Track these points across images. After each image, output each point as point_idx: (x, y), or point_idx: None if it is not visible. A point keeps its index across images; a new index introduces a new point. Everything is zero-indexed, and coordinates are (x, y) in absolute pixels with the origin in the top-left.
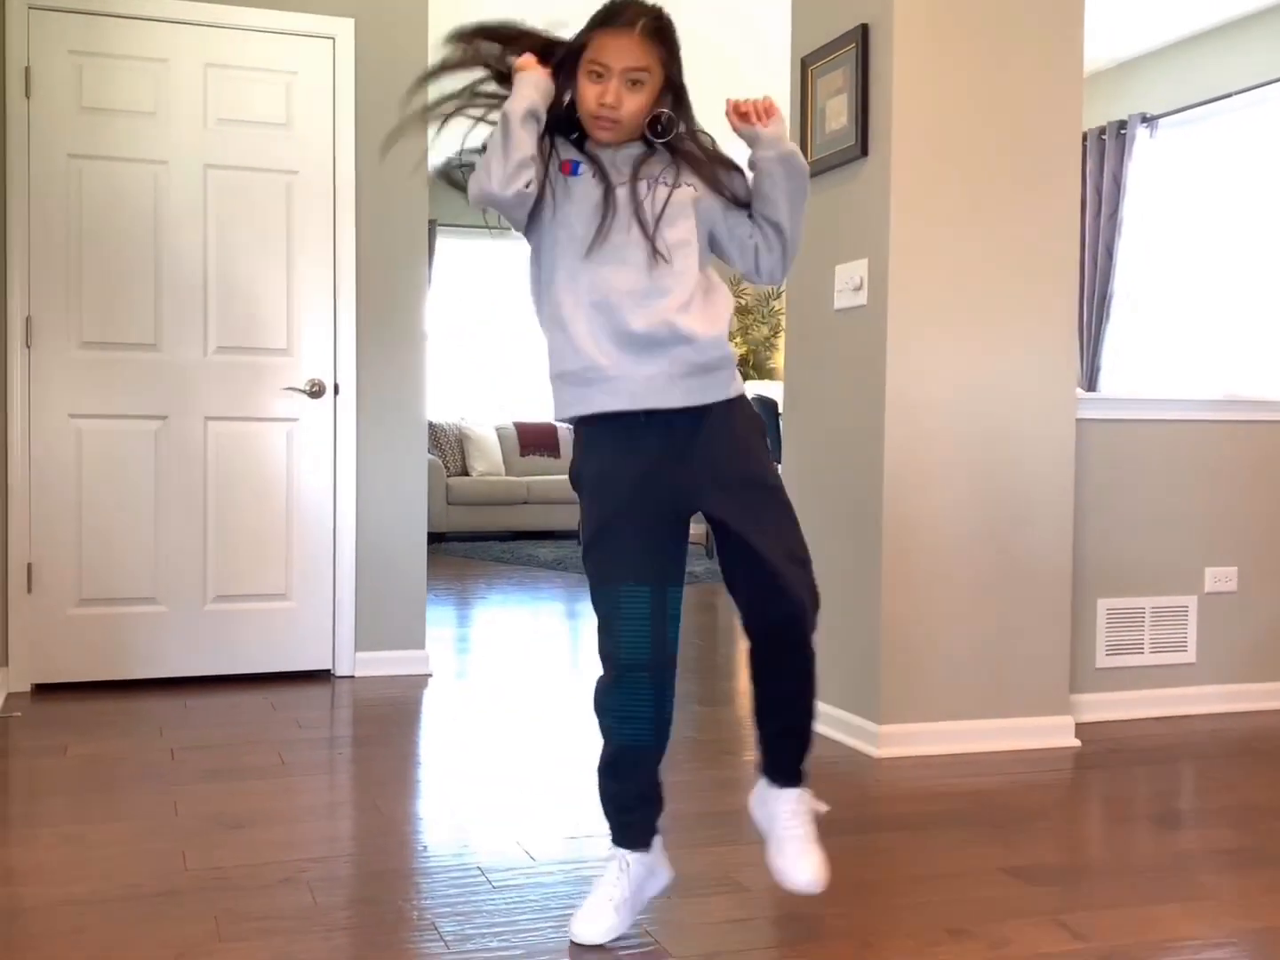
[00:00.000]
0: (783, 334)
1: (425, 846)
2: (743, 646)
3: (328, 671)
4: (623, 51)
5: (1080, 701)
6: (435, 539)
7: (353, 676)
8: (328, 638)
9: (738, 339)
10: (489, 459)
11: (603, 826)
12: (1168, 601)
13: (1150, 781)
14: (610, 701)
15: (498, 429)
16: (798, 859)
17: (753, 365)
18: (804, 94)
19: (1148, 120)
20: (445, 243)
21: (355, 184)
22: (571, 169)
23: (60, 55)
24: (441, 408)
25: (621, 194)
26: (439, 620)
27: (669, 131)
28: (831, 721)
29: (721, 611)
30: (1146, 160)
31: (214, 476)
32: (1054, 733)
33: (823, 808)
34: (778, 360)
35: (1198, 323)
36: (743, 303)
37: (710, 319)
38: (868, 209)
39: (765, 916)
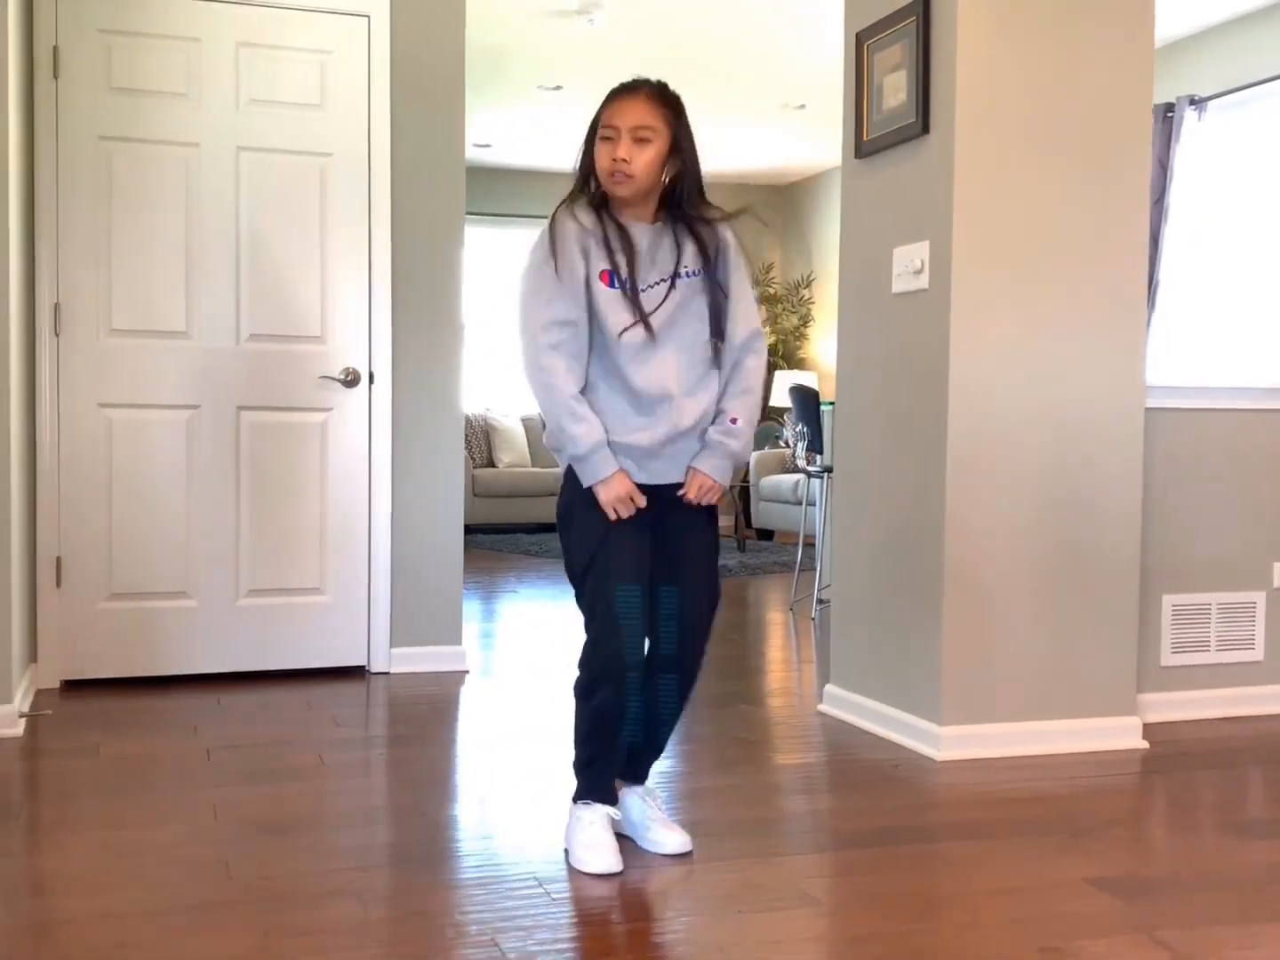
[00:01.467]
0: (812, 323)
1: (474, 854)
2: (775, 642)
3: (362, 668)
4: (628, 112)
5: (1145, 701)
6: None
7: (388, 673)
8: (363, 633)
9: (767, 328)
10: (515, 450)
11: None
12: (1235, 597)
13: (1225, 786)
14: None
15: (523, 419)
16: (669, 831)
17: (782, 355)
18: (859, 71)
19: (1196, 103)
20: (472, 231)
21: (390, 167)
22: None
23: (89, 34)
24: (467, 398)
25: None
26: (470, 615)
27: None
28: (891, 723)
29: (753, 606)
30: (1194, 144)
31: (246, 467)
32: (1121, 734)
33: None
34: (808, 350)
35: (1246, 311)
36: (771, 291)
37: None
38: (929, 189)
39: (843, 935)
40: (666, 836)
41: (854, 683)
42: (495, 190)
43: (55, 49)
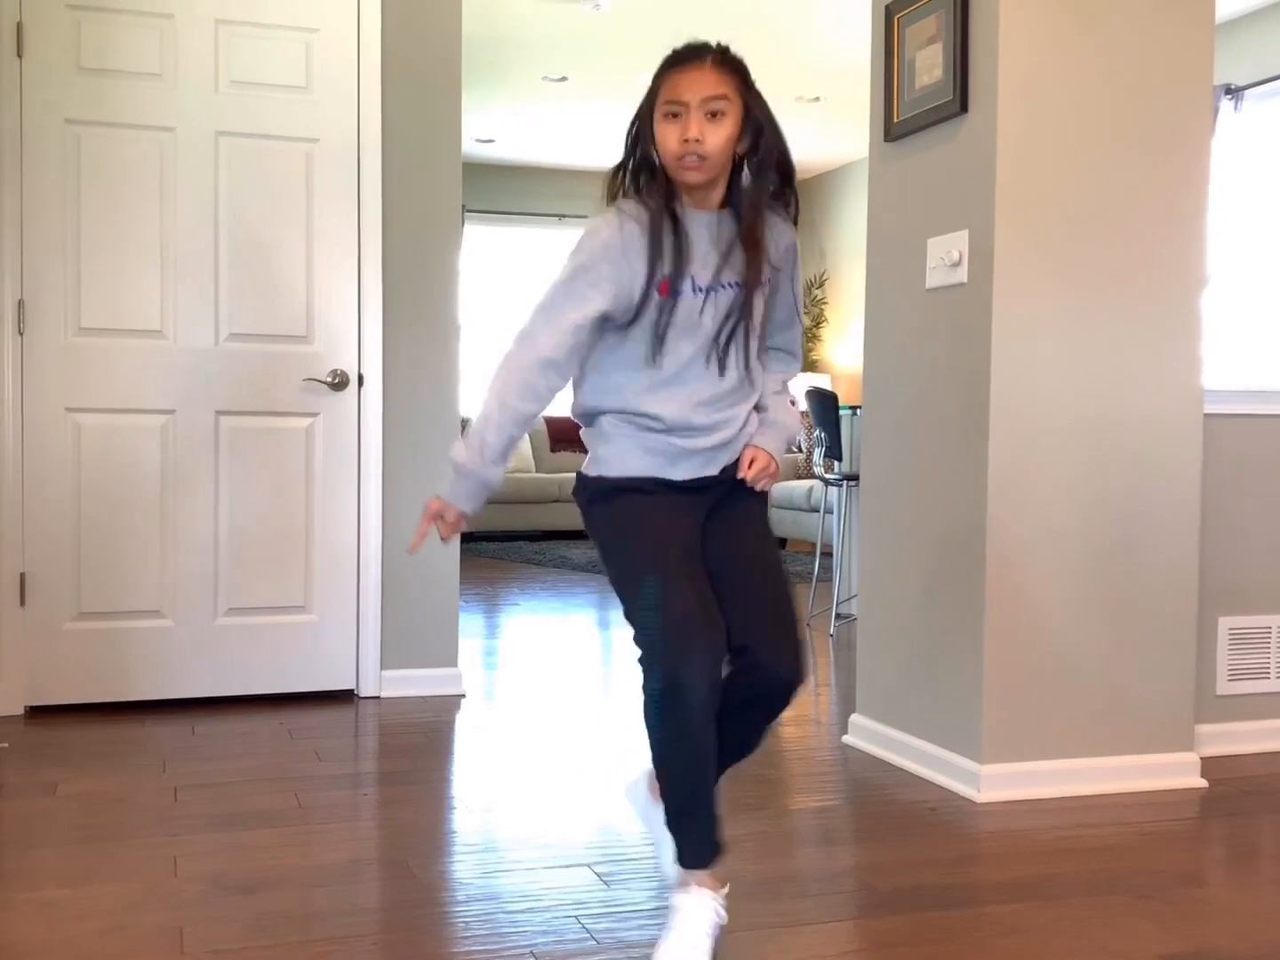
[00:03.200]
0: (826, 324)
1: (468, 923)
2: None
3: (351, 692)
4: (696, 83)
5: (1199, 733)
6: (464, 539)
7: (378, 697)
8: (351, 655)
9: None
10: (519, 455)
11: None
12: None
13: None
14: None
15: None
16: None
17: None
18: (888, 46)
19: (1232, 92)
20: (472, 229)
21: (382, 154)
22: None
23: (56, 9)
24: (468, 402)
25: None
26: (469, 630)
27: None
28: (925, 759)
29: None
30: (1231, 135)
31: (226, 477)
32: (1177, 771)
33: None
34: (821, 352)
35: None
36: None
37: None
38: (968, 173)
39: None
40: None
41: (883, 713)
42: (498, 187)
43: (19, 25)
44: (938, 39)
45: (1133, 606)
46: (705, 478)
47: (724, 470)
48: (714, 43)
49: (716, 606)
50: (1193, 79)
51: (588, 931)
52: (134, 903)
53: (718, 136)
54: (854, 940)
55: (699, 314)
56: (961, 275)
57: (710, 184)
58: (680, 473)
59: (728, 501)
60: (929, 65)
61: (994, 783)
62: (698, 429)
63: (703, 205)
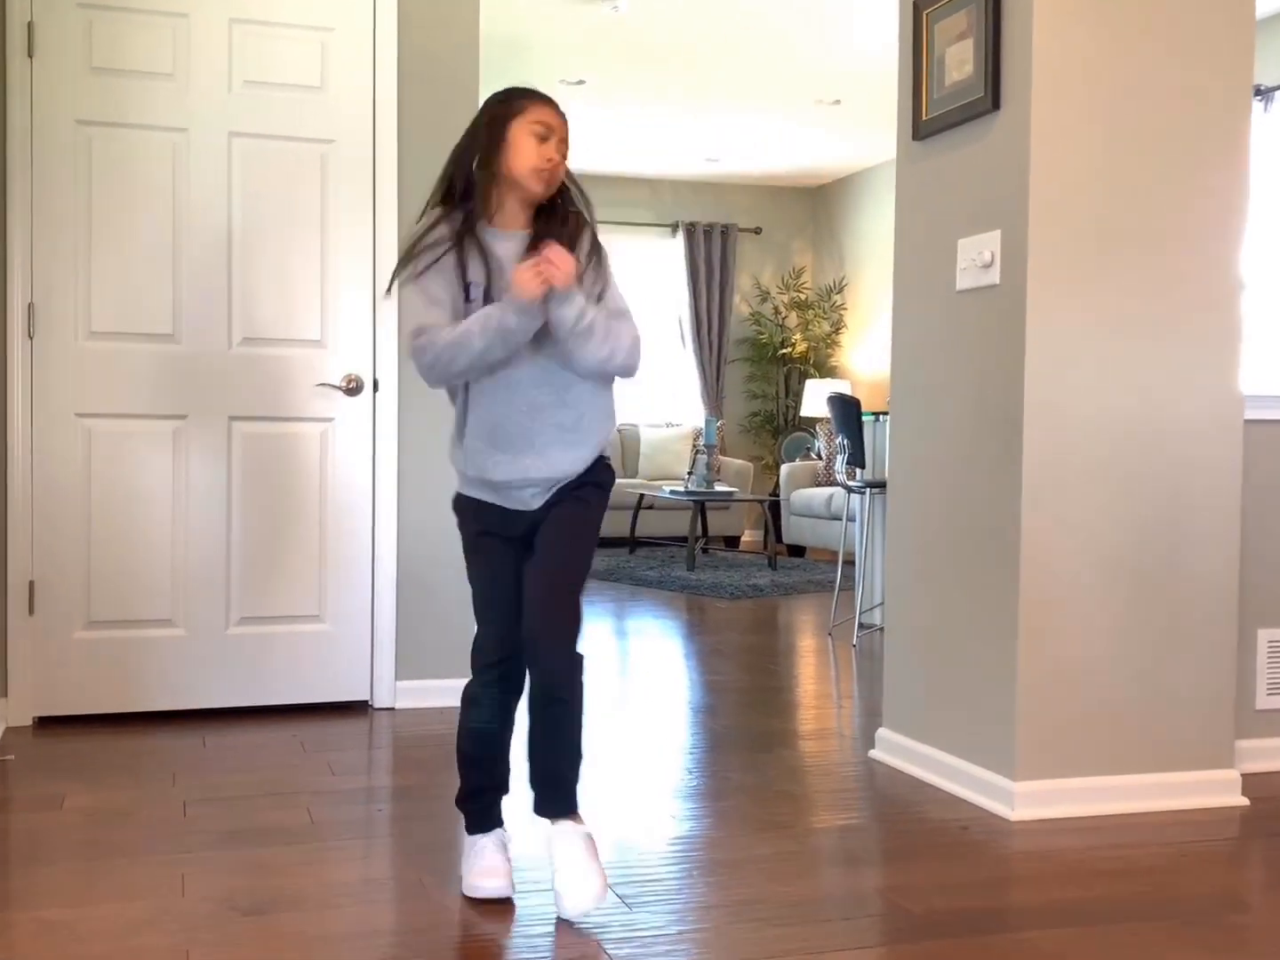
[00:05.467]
0: (845, 330)
1: (482, 946)
2: (814, 672)
3: (365, 703)
4: (559, 120)
5: (1239, 749)
6: None
7: (393, 709)
8: (365, 665)
9: (797, 335)
10: None
11: (718, 912)
12: None
13: None
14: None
15: None
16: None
17: (814, 363)
18: (917, 42)
19: (1262, 93)
20: None
21: (397, 155)
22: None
23: (68, 9)
24: None
25: None
26: None
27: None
28: (955, 775)
29: (788, 630)
30: (1261, 136)
31: (239, 483)
32: (1217, 789)
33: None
34: (840, 357)
35: None
36: (803, 297)
37: None
38: (1000, 172)
39: None
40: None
41: (911, 727)
42: None
43: (30, 25)
44: (968, 34)
45: (1170, 617)
46: None
47: None
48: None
49: None
50: (1232, 78)
51: (610, 957)
52: (141, 924)
53: (563, 160)
54: None
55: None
56: (994, 276)
57: (533, 202)
58: None
59: None
60: (959, 61)
61: (1028, 800)
62: None
63: (513, 224)
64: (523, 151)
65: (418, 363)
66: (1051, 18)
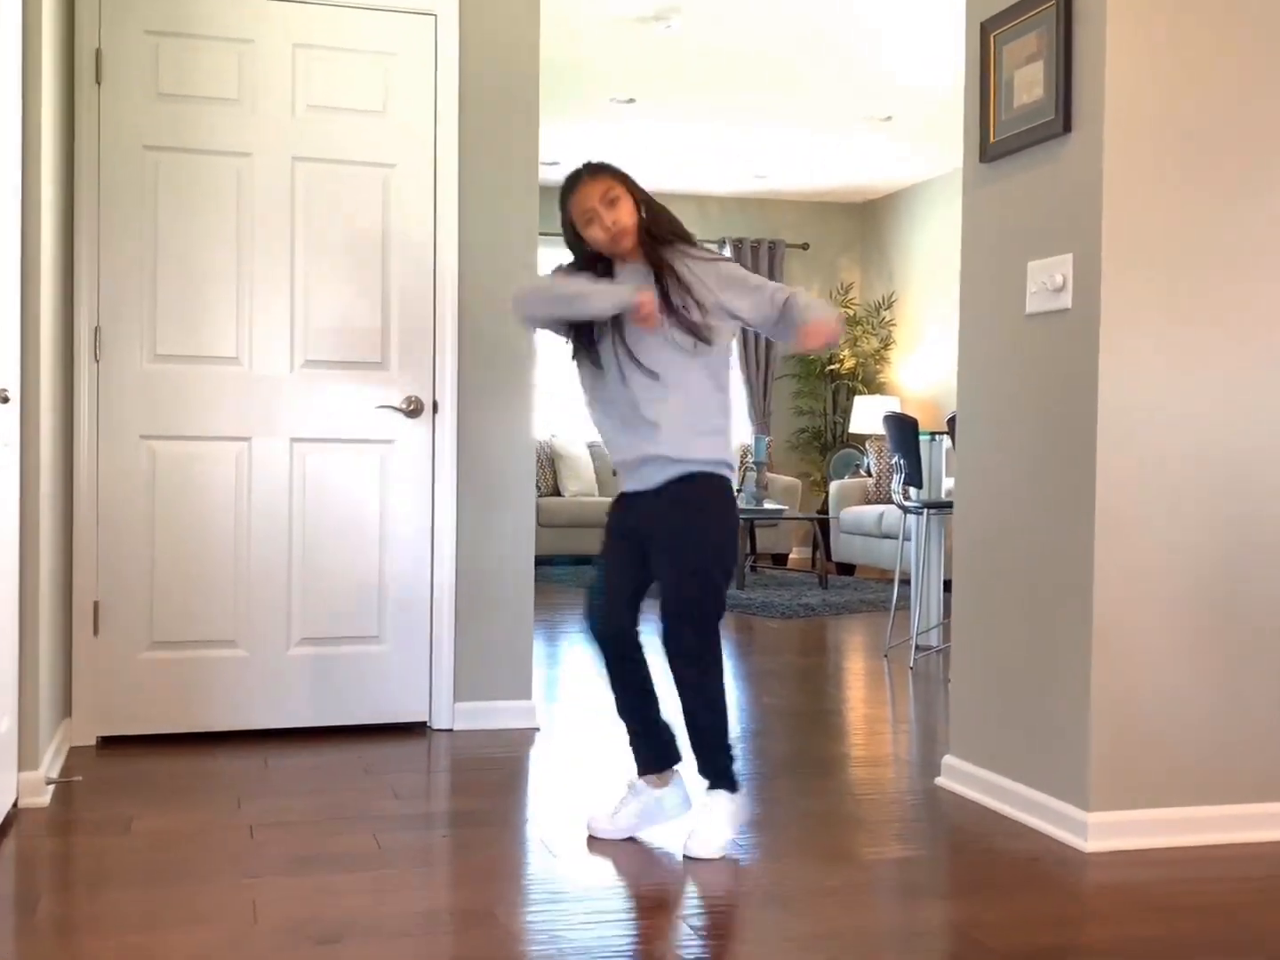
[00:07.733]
0: (894, 346)
1: None
2: (871, 695)
3: (423, 724)
4: (589, 193)
5: None
6: None
7: (451, 730)
8: (424, 686)
9: (845, 351)
10: (582, 479)
11: (792, 946)
12: None
13: None
14: None
15: (590, 446)
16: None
17: (862, 379)
18: (984, 64)
19: None
20: (544, 252)
21: (458, 179)
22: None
23: (135, 36)
24: (542, 428)
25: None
26: (536, 660)
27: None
28: (1031, 807)
29: (841, 651)
30: None
31: (300, 505)
32: None
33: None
34: (889, 374)
35: None
36: (851, 313)
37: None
38: (1072, 195)
39: None
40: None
41: (980, 756)
42: None
43: (98, 52)
44: (1038, 57)
45: (1248, 644)
46: None
47: None
48: (579, 164)
49: None
50: None
51: None
52: (214, 951)
53: (622, 214)
54: None
55: None
56: (1065, 301)
57: (631, 245)
58: None
59: None
60: (1028, 84)
61: (1102, 831)
62: None
63: (628, 259)
64: (589, 238)
65: (526, 286)
66: (1124, 39)
